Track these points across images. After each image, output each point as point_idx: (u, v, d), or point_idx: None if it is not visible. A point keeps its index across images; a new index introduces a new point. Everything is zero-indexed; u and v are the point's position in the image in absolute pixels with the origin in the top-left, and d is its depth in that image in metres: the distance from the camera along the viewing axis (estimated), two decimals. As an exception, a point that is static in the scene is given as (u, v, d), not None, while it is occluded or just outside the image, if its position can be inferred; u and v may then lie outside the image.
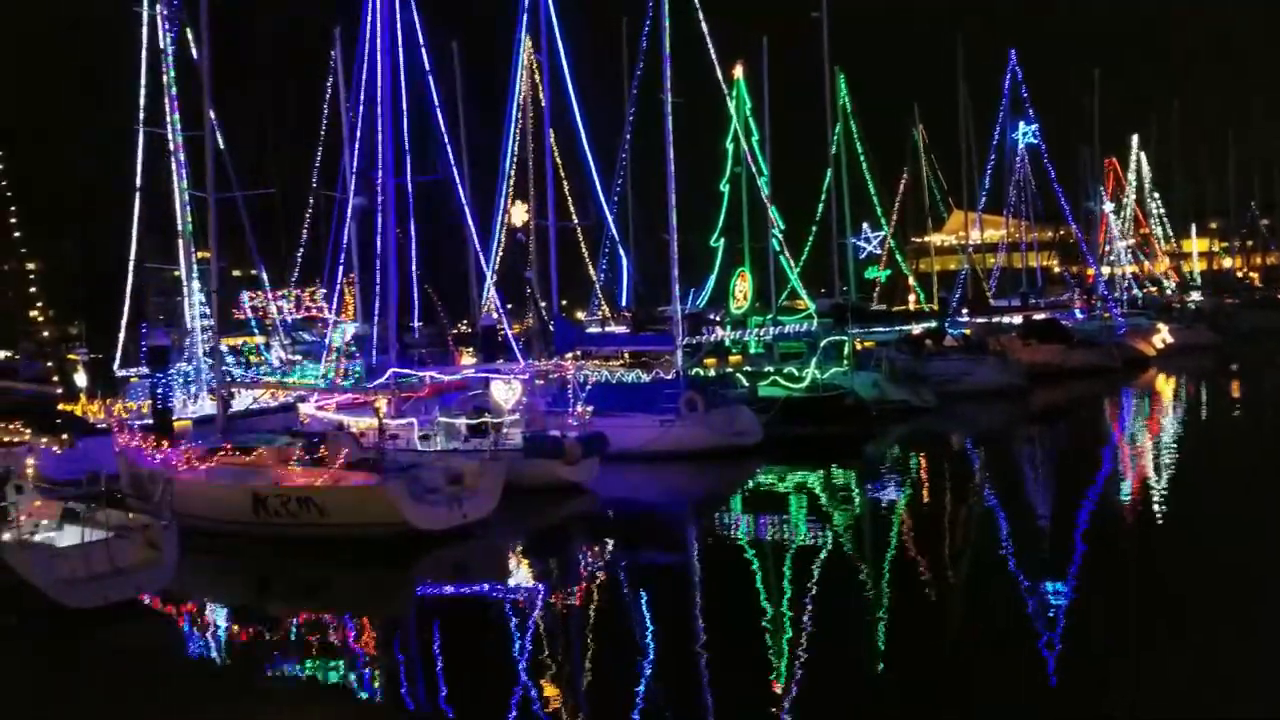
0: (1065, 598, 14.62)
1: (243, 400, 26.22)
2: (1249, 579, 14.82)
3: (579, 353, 31.80)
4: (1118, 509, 20.57)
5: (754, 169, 40.76)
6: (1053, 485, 24.71)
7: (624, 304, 41.20)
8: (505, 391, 23.90)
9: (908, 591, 15.53)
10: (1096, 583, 15.32)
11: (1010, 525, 19.79)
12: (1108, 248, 70.30)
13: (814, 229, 50.44)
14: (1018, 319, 50.47)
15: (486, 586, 17.17)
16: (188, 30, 27.89)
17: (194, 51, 26.98)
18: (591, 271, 39.72)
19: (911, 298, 60.72)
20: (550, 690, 11.75)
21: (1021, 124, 57.65)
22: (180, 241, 28.48)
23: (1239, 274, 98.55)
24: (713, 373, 32.87)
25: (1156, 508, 20.42)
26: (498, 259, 37.00)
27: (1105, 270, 67.11)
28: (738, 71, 42.43)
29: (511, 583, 17.48)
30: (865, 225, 58.09)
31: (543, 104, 34.68)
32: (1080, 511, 20.66)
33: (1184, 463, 25.52)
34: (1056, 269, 72.18)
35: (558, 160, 36.40)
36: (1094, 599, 14.51)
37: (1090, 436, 32.74)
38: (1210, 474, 24.23)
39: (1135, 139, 79.12)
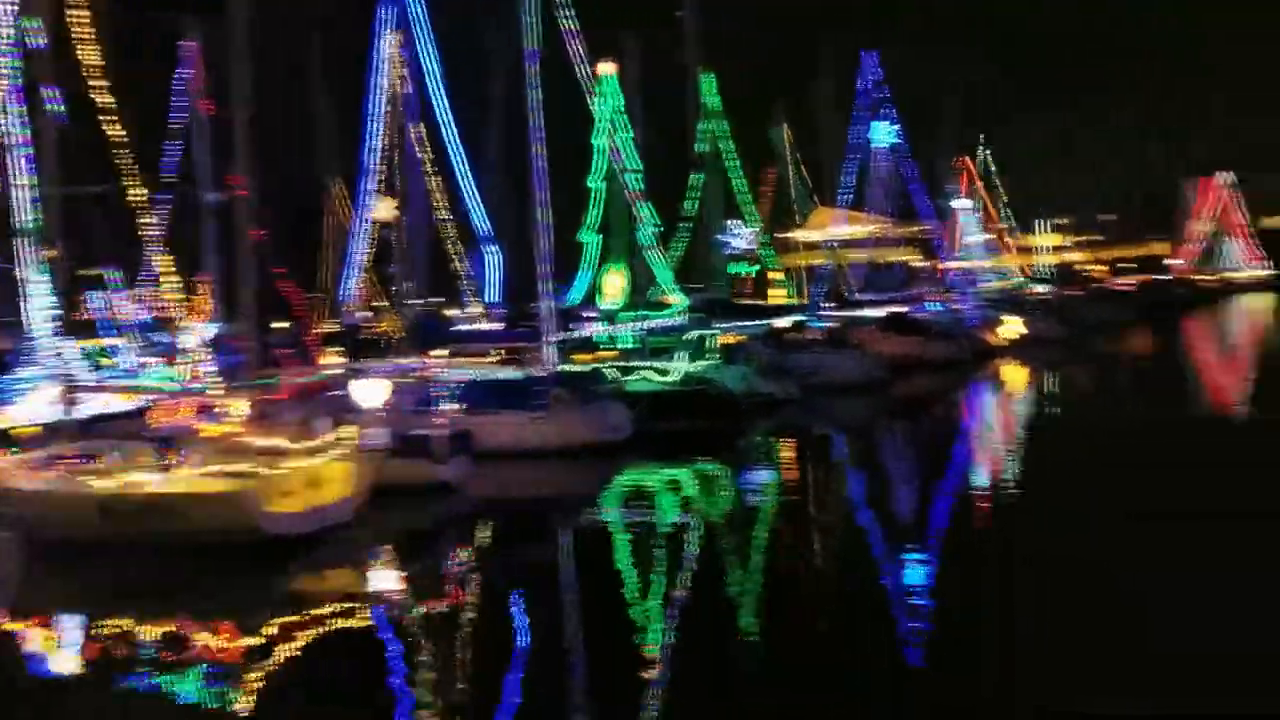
0: (929, 581, 15.21)
1: (92, 404, 25.11)
2: (1098, 562, 15.38)
3: (449, 350, 31.50)
4: (975, 495, 21.45)
5: (624, 165, 41.01)
6: (914, 473, 25.56)
7: (494, 300, 40.93)
8: (369, 391, 23.51)
9: (779, 580, 15.92)
10: (959, 567, 15.84)
11: (875, 512, 20.42)
12: (961, 243, 73.05)
13: (684, 226, 51.13)
14: (878, 312, 51.97)
15: (349, 592, 16.85)
16: (29, 19, 26.55)
17: (31, 40, 25.73)
18: (461, 267, 39.32)
19: (778, 292, 61.97)
20: (420, 698, 11.65)
21: (883, 124, 59.41)
22: (20, 240, 27.08)
23: (1085, 268, 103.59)
24: (584, 368, 32.96)
25: (1010, 493, 21.34)
26: (364, 255, 36.32)
27: (958, 265, 69.74)
28: (607, 68, 42.60)
29: (374, 587, 17.21)
30: (734, 222, 59.06)
31: (406, 93, 34.14)
32: (940, 498, 21.43)
33: (1033, 450, 26.79)
34: (916, 264, 74.63)
35: (426, 154, 35.93)
36: (956, 583, 15.01)
37: (947, 425, 33.97)
38: (1058, 460, 25.24)
39: (982, 138, 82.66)
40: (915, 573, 15.69)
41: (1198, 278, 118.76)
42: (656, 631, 13.60)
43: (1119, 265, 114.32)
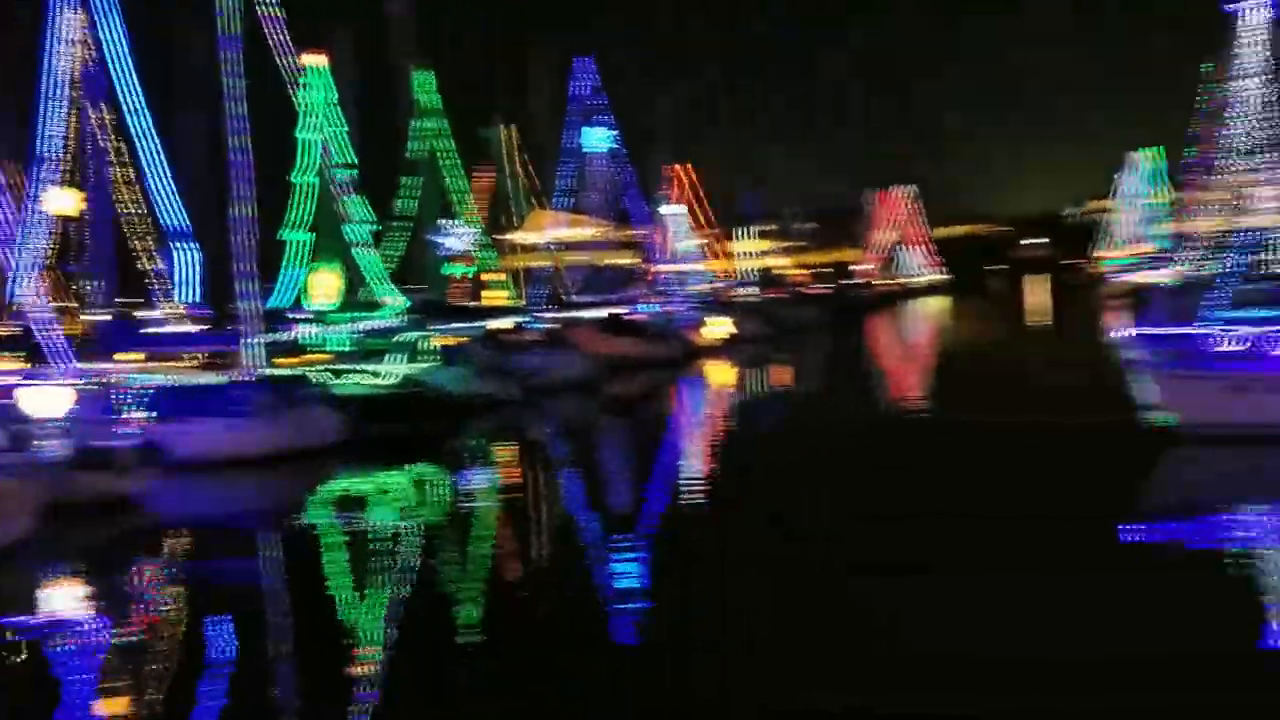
0: (644, 574, 15.53)
1: None
2: (805, 559, 16.01)
3: (144, 354, 29.39)
4: (691, 492, 22.21)
5: (333, 160, 39.64)
6: (631, 470, 26.12)
7: (191, 300, 38.41)
8: (46, 399, 21.45)
9: (491, 582, 15.78)
10: (675, 565, 16.21)
11: (591, 511, 20.69)
12: (673, 247, 75.83)
13: (400, 225, 50.09)
14: (596, 314, 52.99)
15: (19, 620, 15.21)
16: None
17: None
18: (149, 264, 36.56)
19: (497, 294, 61.88)
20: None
21: (598, 129, 60.63)
22: None
23: (786, 273, 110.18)
24: (291, 372, 31.54)
25: (724, 489, 22.21)
26: (43, 251, 33.00)
27: (670, 268, 72.42)
28: (316, 59, 40.97)
29: (50, 613, 15.64)
30: (452, 221, 58.36)
31: (89, 74, 31.37)
32: (656, 495, 22.05)
33: (744, 447, 28.18)
34: (634, 266, 76.76)
35: (112, 143, 33.16)
36: (674, 581, 15.29)
37: (662, 422, 35.03)
38: (768, 458, 26.43)
39: (696, 149, 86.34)
40: (631, 571, 15.97)
41: (881, 282, 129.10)
42: (356, 645, 13.14)
43: (815, 270, 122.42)
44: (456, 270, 62.54)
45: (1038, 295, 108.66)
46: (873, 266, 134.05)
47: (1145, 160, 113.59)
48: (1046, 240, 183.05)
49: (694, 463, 26.53)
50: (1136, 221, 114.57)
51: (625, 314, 53.97)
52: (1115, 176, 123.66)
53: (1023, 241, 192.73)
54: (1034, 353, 52.61)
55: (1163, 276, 55.56)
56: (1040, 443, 23.54)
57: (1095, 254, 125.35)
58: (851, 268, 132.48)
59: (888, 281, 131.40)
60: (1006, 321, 78.30)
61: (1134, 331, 24.11)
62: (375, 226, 41.23)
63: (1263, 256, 27.25)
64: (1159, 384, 21.99)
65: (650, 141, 73.02)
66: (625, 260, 72.31)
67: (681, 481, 23.69)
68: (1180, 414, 21.27)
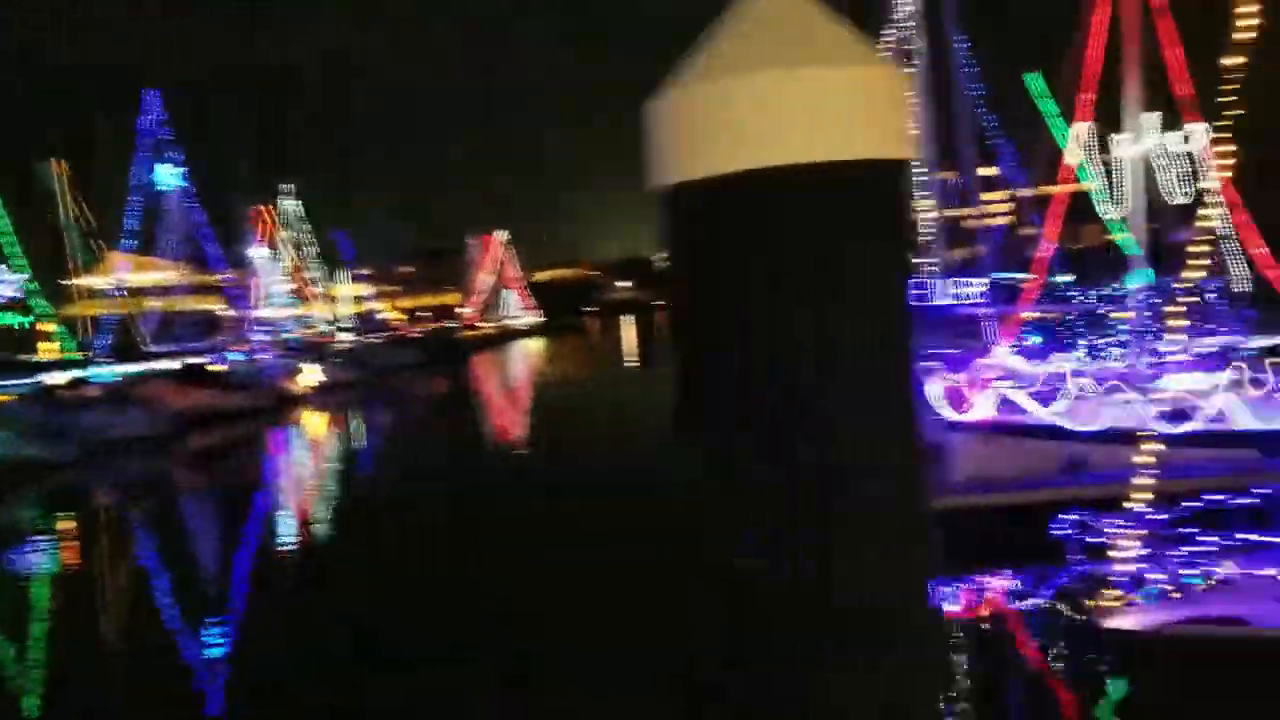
0: (226, 638, 14.70)
1: None
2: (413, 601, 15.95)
3: None
4: (273, 546, 21.25)
5: None
6: (205, 530, 24.61)
7: None
8: None
9: (57, 656, 14.70)
10: (257, 622, 15.52)
11: (165, 575, 19.36)
12: (263, 292, 72.49)
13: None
14: (174, 364, 49.47)
15: None
16: None
17: None
18: None
19: (54, 345, 55.98)
20: None
21: (167, 165, 56.84)
22: None
23: (385, 316, 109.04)
24: None
25: (312, 540, 21.44)
26: None
27: (260, 314, 69.17)
28: None
29: None
30: (-2, 268, 52.12)
31: None
32: (235, 553, 20.88)
33: (331, 494, 27.39)
34: (217, 313, 72.35)
35: None
36: (256, 638, 14.67)
37: (243, 477, 33.25)
38: (350, 501, 26.04)
39: (289, 189, 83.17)
40: (212, 637, 14.95)
41: (483, 324, 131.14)
42: None
43: (417, 313, 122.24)
44: (6, 320, 56.07)
45: (629, 335, 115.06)
46: (474, 309, 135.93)
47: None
48: (632, 284, 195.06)
49: (281, 513, 25.43)
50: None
51: (206, 363, 50.77)
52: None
53: (615, 284, 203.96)
54: (626, 389, 55.62)
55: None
56: (623, 473, 25.03)
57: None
58: (455, 310, 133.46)
59: (489, 323, 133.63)
60: (600, 361, 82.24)
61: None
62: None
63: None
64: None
65: (235, 180, 69.37)
66: (207, 306, 68.15)
67: (260, 537, 22.62)
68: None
